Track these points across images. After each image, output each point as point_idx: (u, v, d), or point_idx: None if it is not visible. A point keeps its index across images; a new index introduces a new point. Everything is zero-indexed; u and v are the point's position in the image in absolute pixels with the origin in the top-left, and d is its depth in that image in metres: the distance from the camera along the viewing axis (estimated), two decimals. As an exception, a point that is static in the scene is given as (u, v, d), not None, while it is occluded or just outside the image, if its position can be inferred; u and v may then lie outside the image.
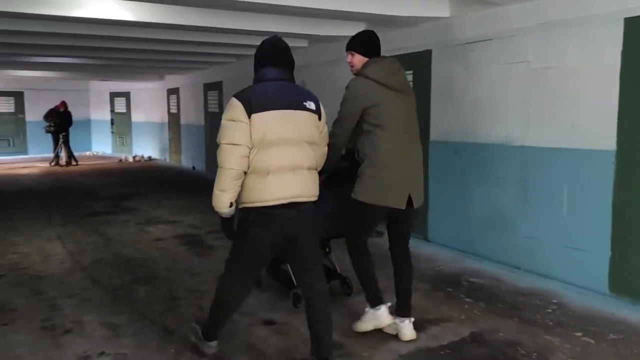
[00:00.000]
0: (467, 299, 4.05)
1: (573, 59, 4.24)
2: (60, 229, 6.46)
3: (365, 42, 3.33)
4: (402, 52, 6.02)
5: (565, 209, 4.40)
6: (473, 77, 5.15)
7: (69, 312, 3.74)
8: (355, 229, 3.39)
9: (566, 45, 4.28)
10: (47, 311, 3.76)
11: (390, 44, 6.19)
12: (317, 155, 2.85)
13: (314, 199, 2.82)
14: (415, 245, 5.58)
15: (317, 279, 2.91)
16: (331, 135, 3.21)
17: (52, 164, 13.61)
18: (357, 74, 3.30)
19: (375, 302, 3.44)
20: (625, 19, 3.86)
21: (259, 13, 5.80)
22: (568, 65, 4.28)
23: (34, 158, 15.20)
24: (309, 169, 2.78)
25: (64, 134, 13.42)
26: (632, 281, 3.99)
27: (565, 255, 4.41)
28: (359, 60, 3.30)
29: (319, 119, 2.85)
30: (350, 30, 6.52)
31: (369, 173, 3.20)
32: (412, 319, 3.38)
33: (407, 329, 3.34)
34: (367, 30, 3.47)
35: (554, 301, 4.01)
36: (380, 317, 3.43)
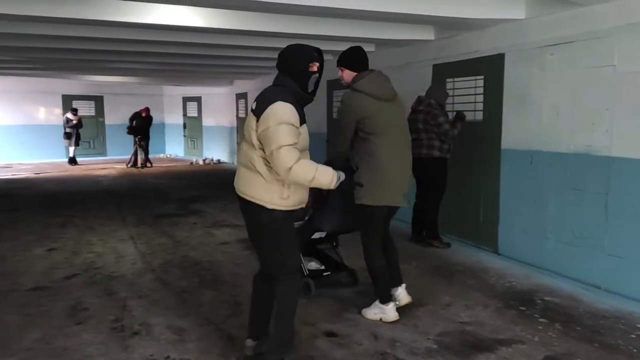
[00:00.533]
0: (541, 319, 3.80)
1: (666, 62, 3.89)
2: (133, 229, 6.73)
3: (353, 59, 3.71)
4: (471, 57, 5.83)
5: (654, 225, 4.04)
6: (551, 82, 4.86)
7: (138, 314, 3.85)
8: (368, 231, 3.75)
9: (658, 48, 3.93)
10: (118, 312, 3.89)
11: (459, 48, 6.01)
12: (253, 155, 2.79)
13: (245, 197, 2.85)
14: (485, 259, 5.39)
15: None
16: (334, 144, 3.77)
17: (129, 165, 14.29)
18: (348, 87, 3.69)
19: (384, 300, 3.78)
20: None
21: (326, 17, 5.77)
22: (660, 69, 3.93)
23: (112, 159, 16.04)
24: (244, 166, 2.87)
25: (139, 137, 14.06)
26: None
27: (653, 275, 4.05)
28: (348, 74, 3.69)
29: (257, 120, 2.77)
30: (419, 33, 6.39)
31: (369, 178, 3.54)
32: (404, 285, 3.91)
33: (402, 294, 3.86)
34: (355, 46, 3.80)
35: (639, 326, 3.69)
36: (387, 311, 3.77)
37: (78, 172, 13.26)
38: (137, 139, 14.13)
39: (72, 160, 14.94)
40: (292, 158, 2.68)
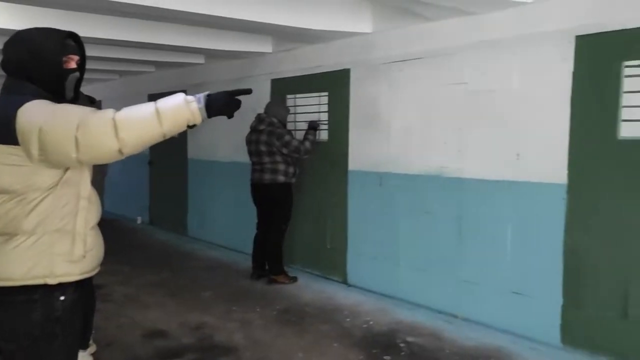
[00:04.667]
0: (411, 368, 3.30)
1: (517, 81, 3.76)
2: None
3: None
4: (314, 72, 5.35)
5: (510, 249, 3.87)
6: (401, 100, 4.55)
7: None
8: None
9: (509, 66, 3.80)
10: None
11: (301, 62, 5.49)
12: (12, 208, 1.68)
13: (3, 284, 1.71)
14: (336, 293, 4.83)
15: None
16: None
17: None
18: None
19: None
20: (577, 37, 3.45)
21: (141, 20, 4.77)
22: (512, 88, 3.79)
23: None
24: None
25: None
26: (587, 332, 3.51)
27: (511, 302, 3.86)
28: None
29: (9, 142, 1.66)
30: (255, 45, 5.71)
31: None
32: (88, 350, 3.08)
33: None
34: None
35: (509, 363, 3.41)
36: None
37: None
38: None
39: None
40: (104, 114, 1.60)
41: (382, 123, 4.70)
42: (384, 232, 4.72)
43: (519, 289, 3.82)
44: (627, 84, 3.28)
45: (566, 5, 3.47)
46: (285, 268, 5.24)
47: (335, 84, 5.13)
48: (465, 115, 4.07)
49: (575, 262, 3.54)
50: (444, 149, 4.23)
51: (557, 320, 3.62)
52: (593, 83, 3.42)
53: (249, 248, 5.43)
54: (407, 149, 4.51)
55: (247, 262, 5.48)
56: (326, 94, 5.26)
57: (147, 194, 8.34)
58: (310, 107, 5.41)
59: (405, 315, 4.23)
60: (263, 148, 4.99)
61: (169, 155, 7.67)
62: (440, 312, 4.23)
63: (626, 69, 3.27)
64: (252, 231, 5.36)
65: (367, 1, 4.55)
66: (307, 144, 4.98)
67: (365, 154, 4.88)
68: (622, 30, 3.25)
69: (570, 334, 3.58)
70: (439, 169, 4.26)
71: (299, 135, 5.18)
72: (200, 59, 6.73)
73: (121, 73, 8.39)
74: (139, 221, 8.45)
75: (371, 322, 4.11)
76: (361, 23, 4.70)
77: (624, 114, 3.29)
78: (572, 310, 3.57)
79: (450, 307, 4.21)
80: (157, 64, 7.34)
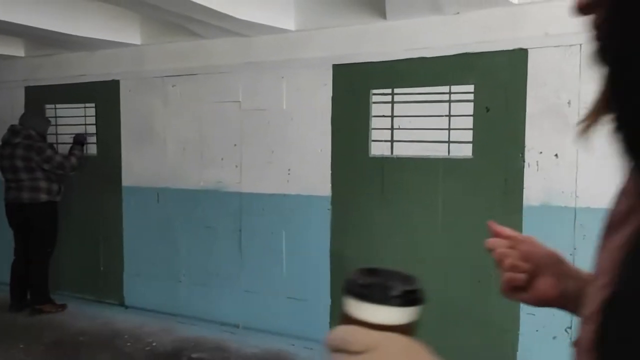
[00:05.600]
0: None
1: (286, 102, 4.08)
2: None
3: None
4: (78, 81, 4.95)
5: (285, 258, 4.18)
6: (176, 115, 4.51)
7: None
8: None
9: (279, 88, 4.09)
10: None
11: (62, 70, 5.02)
12: None
13: None
14: (113, 317, 4.57)
15: None
16: None
17: None
18: None
19: None
20: (334, 65, 3.89)
21: None
22: (281, 108, 4.09)
23: None
24: None
25: None
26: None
27: (288, 307, 4.18)
28: None
29: None
30: (2, 47, 5.00)
31: None
32: None
33: None
34: None
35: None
36: None
37: None
38: None
39: None
40: None
41: (157, 137, 4.60)
42: (164, 249, 4.64)
43: (294, 294, 4.16)
44: (374, 109, 3.83)
45: (323, 36, 3.89)
46: (52, 295, 4.74)
47: (103, 95, 4.83)
48: (240, 133, 4.25)
49: (339, 264, 4.00)
50: (221, 165, 4.34)
51: (326, 319, 4.03)
52: (349, 107, 3.90)
53: (5, 277, 4.77)
54: (184, 164, 4.50)
55: (3, 293, 4.80)
56: (93, 105, 4.90)
57: None
58: (74, 119, 4.98)
59: (189, 332, 4.23)
60: (20, 164, 4.45)
61: None
62: (224, 324, 4.33)
63: (374, 96, 3.83)
64: (9, 258, 4.73)
65: (134, 12, 4.37)
66: (74, 159, 4.60)
67: (140, 169, 4.71)
68: (369, 62, 3.79)
69: (338, 328, 4.04)
70: (217, 183, 4.36)
71: (62, 149, 4.75)
72: None
73: None
74: None
75: (154, 344, 4.01)
76: (128, 34, 4.50)
77: (373, 135, 3.84)
78: (338, 309, 4.02)
79: (234, 318, 4.35)
80: None
